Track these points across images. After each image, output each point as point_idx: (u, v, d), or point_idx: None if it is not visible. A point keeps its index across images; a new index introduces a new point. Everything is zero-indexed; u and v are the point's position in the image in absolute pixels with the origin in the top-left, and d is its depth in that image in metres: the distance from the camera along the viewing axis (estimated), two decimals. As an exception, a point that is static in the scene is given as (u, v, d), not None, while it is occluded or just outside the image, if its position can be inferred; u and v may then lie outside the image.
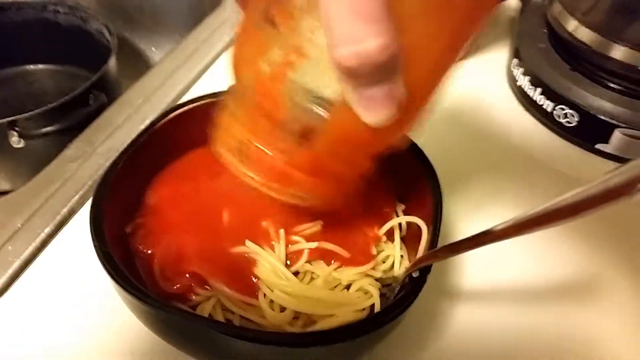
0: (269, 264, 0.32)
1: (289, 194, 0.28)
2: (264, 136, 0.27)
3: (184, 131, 0.37)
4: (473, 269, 0.39)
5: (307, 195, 0.29)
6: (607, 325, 0.36)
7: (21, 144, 0.55)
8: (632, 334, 0.36)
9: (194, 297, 0.31)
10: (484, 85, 0.56)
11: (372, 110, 0.21)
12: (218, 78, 0.55)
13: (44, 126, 0.55)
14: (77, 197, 0.43)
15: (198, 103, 0.37)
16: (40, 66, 0.74)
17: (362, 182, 0.35)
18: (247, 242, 0.32)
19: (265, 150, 0.27)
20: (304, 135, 0.26)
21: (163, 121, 0.36)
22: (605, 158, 0.48)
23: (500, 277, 0.39)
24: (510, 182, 0.46)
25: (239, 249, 0.32)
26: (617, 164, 0.46)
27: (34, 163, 0.56)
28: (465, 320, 0.36)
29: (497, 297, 0.38)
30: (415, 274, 0.28)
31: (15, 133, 0.54)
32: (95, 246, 0.29)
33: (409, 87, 0.21)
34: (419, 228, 0.33)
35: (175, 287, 0.31)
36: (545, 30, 0.54)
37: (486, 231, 0.23)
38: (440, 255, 0.28)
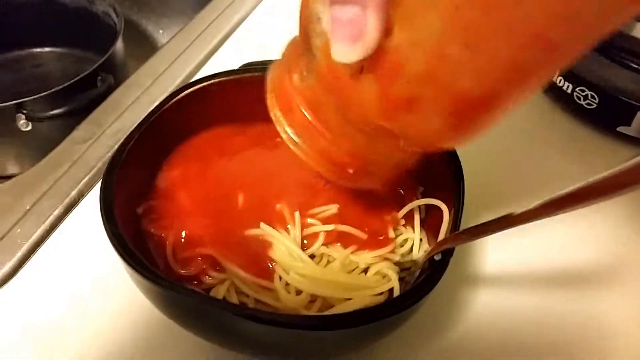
0: (284, 246, 0.31)
1: (326, 168, 0.27)
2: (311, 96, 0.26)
3: (194, 111, 0.36)
4: (494, 255, 0.38)
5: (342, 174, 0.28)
6: (632, 312, 0.35)
7: (29, 127, 0.54)
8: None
9: (207, 279, 0.31)
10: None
11: (334, 38, 0.20)
12: (227, 59, 0.54)
13: (52, 109, 0.54)
14: (86, 179, 0.42)
15: (208, 82, 0.36)
16: (47, 49, 0.73)
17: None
18: (262, 225, 0.32)
19: (308, 116, 0.26)
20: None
21: (172, 100, 0.35)
22: (627, 141, 0.46)
23: (522, 263, 0.38)
24: (530, 167, 0.45)
25: (253, 232, 0.32)
26: (638, 146, 0.46)
27: (42, 146, 0.56)
28: (485, 306, 0.35)
29: (518, 283, 0.37)
30: (437, 257, 0.27)
31: (22, 116, 0.53)
32: (105, 227, 0.28)
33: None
34: (438, 212, 0.32)
35: (188, 270, 0.30)
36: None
37: (511, 214, 0.22)
38: (463, 238, 0.27)
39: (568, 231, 0.39)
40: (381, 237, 0.32)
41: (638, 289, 0.36)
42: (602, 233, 0.40)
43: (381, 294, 0.30)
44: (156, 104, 0.35)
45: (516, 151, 0.46)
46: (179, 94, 0.35)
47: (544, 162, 0.45)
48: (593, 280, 0.37)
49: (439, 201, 0.32)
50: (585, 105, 0.48)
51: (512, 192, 0.43)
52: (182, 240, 0.31)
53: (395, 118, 0.22)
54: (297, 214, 0.32)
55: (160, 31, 0.73)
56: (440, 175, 0.33)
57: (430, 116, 0.22)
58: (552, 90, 0.50)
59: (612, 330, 0.34)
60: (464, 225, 0.37)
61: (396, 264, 0.33)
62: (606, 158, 0.46)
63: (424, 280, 0.26)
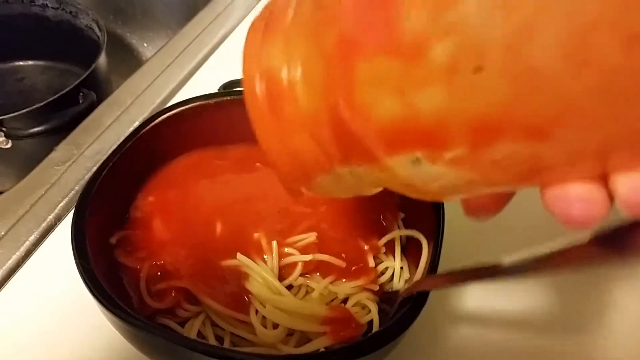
0: (261, 278, 0.30)
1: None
2: None
3: (171, 136, 0.35)
4: (476, 290, 0.37)
5: None
6: (611, 356, 0.35)
7: (8, 145, 0.54)
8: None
9: (182, 312, 0.30)
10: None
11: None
12: (210, 76, 0.53)
13: (32, 126, 0.53)
14: (63, 202, 0.41)
15: (185, 106, 0.35)
16: (30, 62, 0.72)
17: None
18: (239, 255, 0.31)
19: None
20: None
21: (149, 126, 0.34)
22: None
23: (504, 301, 0.37)
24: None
25: (229, 262, 0.31)
26: None
27: (22, 164, 0.55)
28: (465, 342, 0.34)
29: (498, 323, 0.36)
30: (413, 296, 0.26)
31: (2, 133, 0.52)
32: (77, 262, 0.27)
33: None
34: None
35: (162, 303, 0.30)
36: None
37: (497, 265, 0.21)
38: (439, 284, 0.27)
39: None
40: (361, 266, 0.32)
41: (619, 335, 0.36)
42: (588, 274, 0.39)
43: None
44: (136, 124, 0.34)
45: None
46: (154, 120, 0.34)
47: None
48: (575, 324, 0.36)
49: (419, 233, 0.31)
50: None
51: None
52: (156, 273, 0.30)
53: None
54: (274, 243, 0.32)
55: (145, 44, 0.72)
56: (421, 201, 0.32)
57: None
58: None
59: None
60: (447, 253, 0.37)
61: (377, 292, 0.32)
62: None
63: (397, 321, 0.25)
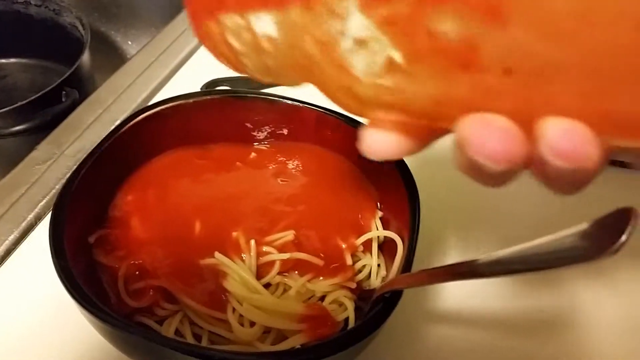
0: (238, 276, 0.30)
1: None
2: None
3: (151, 135, 0.36)
4: (453, 289, 0.37)
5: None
6: (588, 352, 0.35)
7: (-10, 143, 0.53)
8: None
9: (160, 311, 0.30)
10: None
11: None
12: (193, 74, 0.53)
13: (15, 124, 0.53)
14: (44, 201, 0.41)
15: (165, 105, 0.36)
16: (13, 60, 0.71)
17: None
18: (217, 254, 0.31)
19: None
20: None
21: (128, 125, 0.34)
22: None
23: (480, 300, 0.37)
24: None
25: (207, 261, 0.31)
26: (618, 169, 0.46)
27: (4, 162, 0.54)
28: (440, 342, 0.35)
29: (475, 321, 0.36)
30: (387, 295, 0.27)
31: (-17, 132, 0.52)
32: (54, 261, 0.27)
33: None
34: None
35: (140, 302, 0.30)
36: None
37: (468, 263, 0.21)
38: (412, 282, 0.27)
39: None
40: (338, 264, 0.32)
41: (594, 336, 0.36)
42: (563, 275, 0.40)
43: (337, 323, 0.30)
44: (117, 122, 0.34)
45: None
46: (134, 119, 0.35)
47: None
48: (553, 319, 0.37)
49: (394, 234, 0.32)
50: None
51: (477, 212, 0.43)
52: (134, 272, 0.31)
53: None
54: (252, 242, 0.32)
55: (129, 42, 0.72)
56: (399, 200, 0.33)
57: None
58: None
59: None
60: (424, 249, 0.38)
61: (354, 290, 0.32)
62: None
63: (371, 318, 0.26)
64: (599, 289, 0.39)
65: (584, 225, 0.18)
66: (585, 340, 0.36)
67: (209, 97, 0.37)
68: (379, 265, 0.34)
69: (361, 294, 0.33)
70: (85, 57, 0.57)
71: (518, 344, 0.35)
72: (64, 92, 0.55)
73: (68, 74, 0.54)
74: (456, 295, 0.37)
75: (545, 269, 0.18)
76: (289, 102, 0.37)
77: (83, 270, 0.29)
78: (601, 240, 0.16)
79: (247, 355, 0.27)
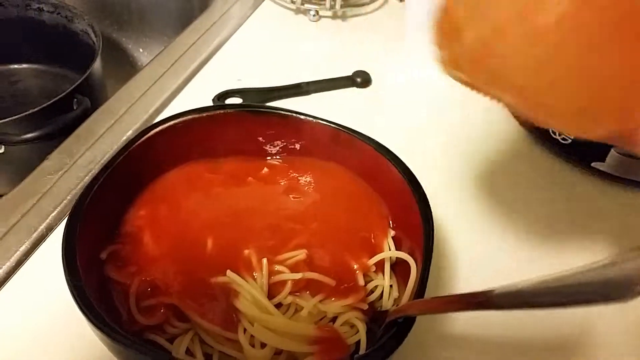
0: (250, 296, 0.30)
1: None
2: None
3: (163, 149, 0.36)
4: (468, 313, 0.36)
5: None
6: None
7: (1, 150, 0.53)
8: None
9: (171, 329, 0.30)
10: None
11: None
12: (205, 86, 0.53)
13: (26, 132, 0.53)
14: (55, 212, 0.41)
15: (178, 120, 0.36)
16: (25, 65, 0.71)
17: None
18: (228, 272, 0.31)
19: None
20: None
21: (141, 140, 0.34)
22: (601, 177, 0.47)
23: (498, 326, 0.36)
24: (505, 201, 0.45)
25: (219, 280, 0.31)
26: (611, 183, 0.46)
27: (15, 170, 0.55)
28: None
29: (487, 344, 0.36)
30: (399, 319, 0.26)
31: (-5, 138, 0.52)
32: (66, 278, 0.27)
33: None
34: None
35: (151, 320, 0.30)
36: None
37: (484, 293, 0.21)
38: (424, 309, 0.27)
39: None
40: (350, 285, 0.32)
41: (612, 353, 0.36)
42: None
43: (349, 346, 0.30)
44: (129, 133, 0.34)
45: (490, 184, 0.46)
46: (146, 133, 0.35)
47: (519, 195, 0.45)
48: (563, 348, 0.36)
49: (408, 256, 0.32)
50: (561, 140, 0.48)
51: (488, 225, 0.43)
52: (145, 289, 0.30)
53: None
54: (264, 261, 0.32)
55: (141, 50, 0.72)
56: (412, 220, 0.33)
57: None
58: (529, 124, 0.50)
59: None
60: (438, 271, 0.37)
61: (366, 311, 0.32)
62: (580, 192, 0.46)
63: (382, 345, 0.25)
64: (606, 313, 0.38)
65: (607, 260, 0.17)
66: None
67: (222, 111, 0.37)
68: (391, 286, 0.34)
69: (373, 315, 0.33)
70: (97, 65, 0.58)
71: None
72: (75, 100, 0.55)
73: (80, 81, 0.55)
74: (470, 319, 0.37)
75: (568, 305, 0.18)
76: (303, 117, 0.37)
77: (95, 286, 0.29)
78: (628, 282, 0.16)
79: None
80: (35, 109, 0.52)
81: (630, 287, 0.15)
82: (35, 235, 0.40)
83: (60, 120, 0.53)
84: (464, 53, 0.25)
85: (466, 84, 0.27)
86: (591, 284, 0.17)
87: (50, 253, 0.39)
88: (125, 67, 0.71)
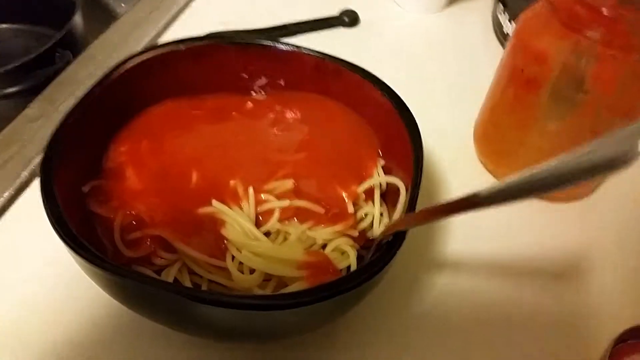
0: (237, 224, 0.30)
1: None
2: None
3: (143, 83, 0.34)
4: (456, 237, 0.37)
5: None
6: (585, 300, 0.34)
7: (-17, 106, 0.52)
8: (610, 315, 0.34)
9: (158, 260, 0.29)
10: (469, 31, 0.53)
11: None
12: (184, 30, 0.51)
13: (7, 87, 0.52)
14: (38, 158, 0.40)
15: (156, 52, 0.34)
16: (4, 25, 0.69)
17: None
18: (214, 202, 0.30)
19: None
20: None
21: (118, 72, 0.33)
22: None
23: (483, 247, 0.37)
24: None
25: (205, 210, 0.30)
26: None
27: (-1, 126, 0.53)
28: (445, 289, 0.34)
29: (478, 267, 0.36)
30: (389, 239, 0.26)
31: (-25, 95, 0.51)
32: (45, 207, 0.27)
33: None
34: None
35: (137, 252, 0.29)
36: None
37: (470, 196, 0.20)
38: (414, 221, 0.26)
39: (531, 217, 0.39)
40: (339, 212, 0.31)
41: (595, 281, 0.36)
42: (566, 221, 0.39)
43: (340, 270, 0.30)
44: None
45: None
46: (123, 65, 0.33)
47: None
48: (551, 268, 0.36)
49: (397, 179, 0.31)
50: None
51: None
52: (131, 221, 0.30)
53: None
54: (250, 189, 0.31)
55: (122, 4, 0.70)
56: (402, 148, 0.32)
57: None
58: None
59: (566, 320, 0.34)
60: (429, 198, 0.37)
61: (357, 238, 0.32)
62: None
63: (372, 262, 0.25)
64: (605, 234, 0.38)
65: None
66: (591, 285, 0.35)
67: (200, 43, 0.36)
68: (381, 214, 0.33)
69: (364, 244, 0.32)
70: (78, 19, 0.56)
71: (522, 290, 0.35)
72: (57, 54, 0.53)
73: (60, 36, 0.53)
74: (460, 242, 0.37)
75: (552, 189, 0.17)
76: (285, 47, 0.36)
77: (78, 220, 0.29)
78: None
79: (242, 297, 0.26)
80: (17, 64, 0.51)
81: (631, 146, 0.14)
82: (18, 182, 0.39)
83: (42, 74, 0.52)
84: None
85: None
86: (585, 161, 0.16)
87: (34, 199, 0.38)
88: (106, 22, 0.69)
